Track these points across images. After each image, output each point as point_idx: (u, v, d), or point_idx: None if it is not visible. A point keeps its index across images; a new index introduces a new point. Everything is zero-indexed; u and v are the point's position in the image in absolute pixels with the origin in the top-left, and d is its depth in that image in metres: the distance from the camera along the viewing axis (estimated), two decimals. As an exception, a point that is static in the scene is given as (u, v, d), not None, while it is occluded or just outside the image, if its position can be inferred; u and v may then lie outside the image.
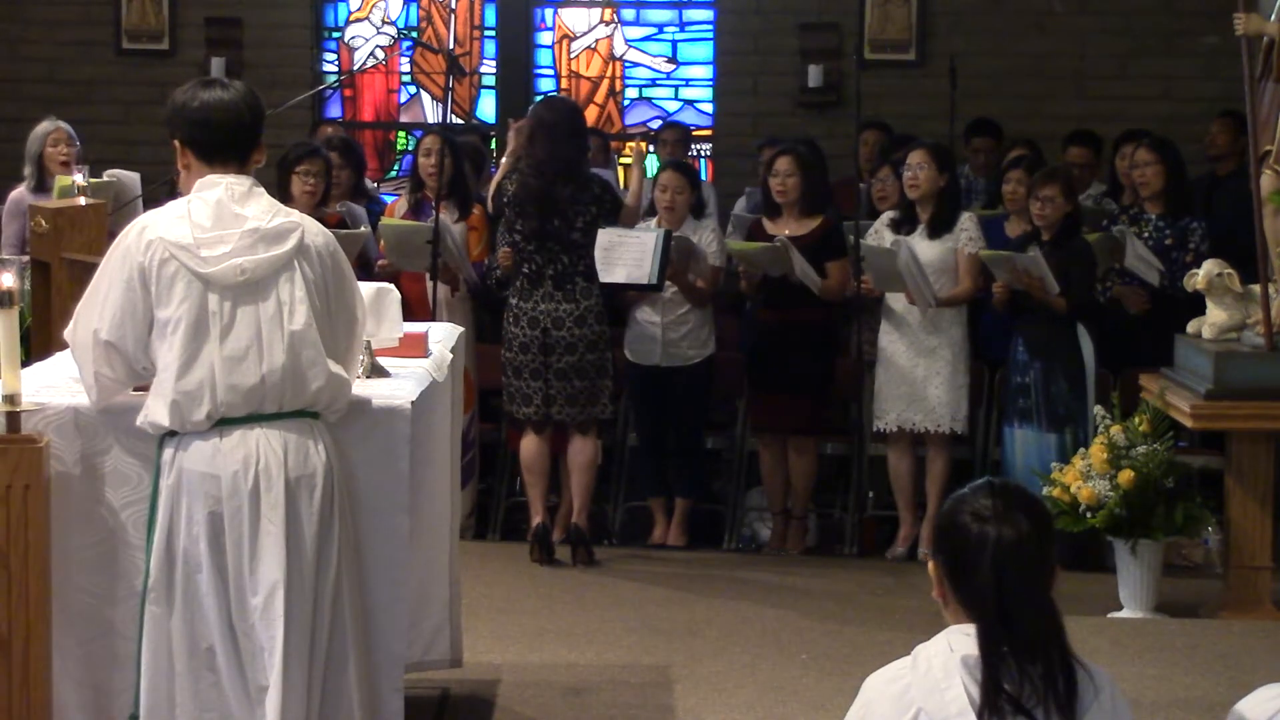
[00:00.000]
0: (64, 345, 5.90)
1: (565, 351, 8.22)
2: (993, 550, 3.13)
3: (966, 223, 8.76)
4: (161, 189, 9.54)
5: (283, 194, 8.94)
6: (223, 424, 4.48)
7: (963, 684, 3.10)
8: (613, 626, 7.33)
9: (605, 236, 8.62)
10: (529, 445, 8.38)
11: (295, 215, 4.66)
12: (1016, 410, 8.57)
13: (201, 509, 4.46)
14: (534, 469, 8.39)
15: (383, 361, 5.22)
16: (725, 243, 9.14)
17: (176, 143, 4.66)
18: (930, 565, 3.24)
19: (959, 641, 3.14)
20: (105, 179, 8.90)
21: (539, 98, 12.18)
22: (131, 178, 9.22)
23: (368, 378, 5.07)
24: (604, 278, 8.50)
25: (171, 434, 4.52)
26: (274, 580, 4.43)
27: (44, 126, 9.65)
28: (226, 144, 4.60)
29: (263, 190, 4.66)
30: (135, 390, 4.68)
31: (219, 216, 4.53)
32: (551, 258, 8.23)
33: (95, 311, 4.56)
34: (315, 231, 4.64)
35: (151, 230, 4.52)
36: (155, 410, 4.50)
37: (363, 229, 9.04)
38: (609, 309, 8.56)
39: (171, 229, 4.51)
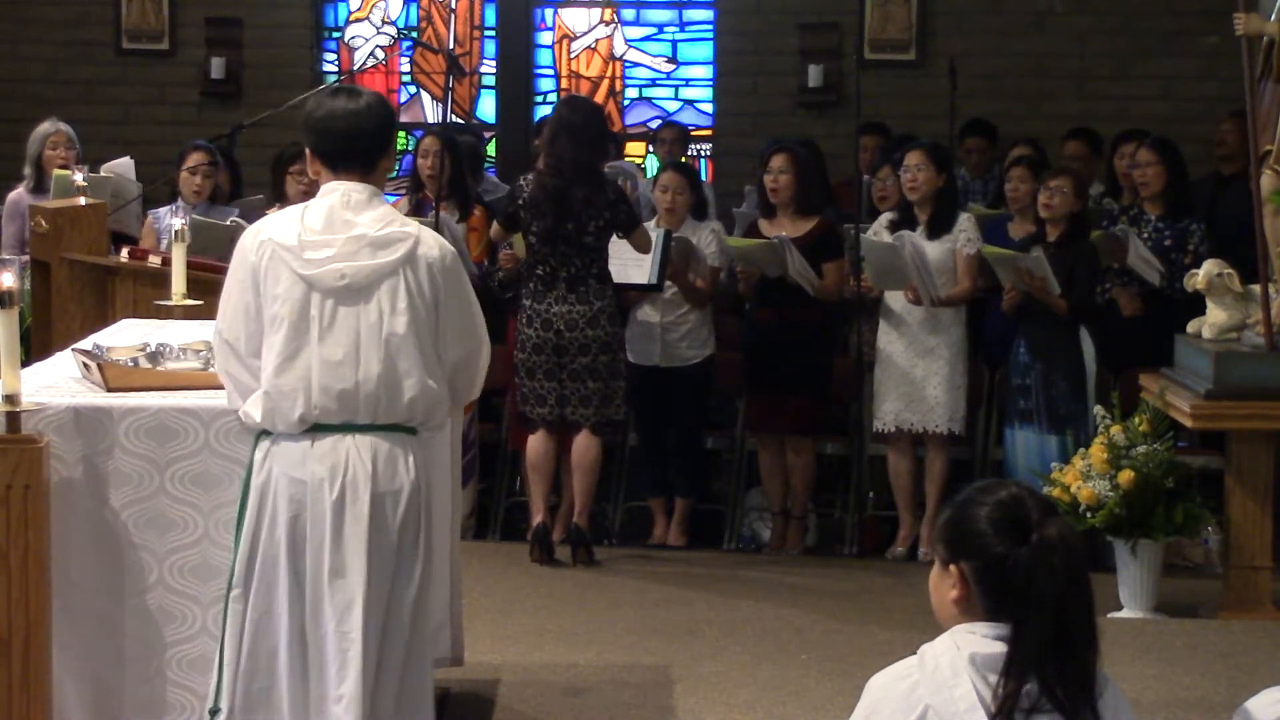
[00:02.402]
0: (64, 345, 5.93)
1: (579, 353, 8.21)
2: (1062, 551, 3.09)
3: (965, 223, 8.75)
4: (161, 188, 9.58)
5: (277, 194, 8.95)
6: (316, 429, 4.48)
7: (971, 682, 3.09)
8: (613, 626, 7.32)
9: (605, 236, 8.62)
10: (537, 444, 8.36)
11: (412, 226, 4.65)
12: (1017, 411, 8.56)
13: (285, 513, 4.47)
14: (539, 468, 8.37)
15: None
16: (724, 241, 9.13)
17: (308, 150, 4.71)
18: (952, 570, 3.17)
19: (965, 640, 3.13)
20: (102, 174, 8.90)
21: (539, 97, 12.28)
22: (125, 165, 9.22)
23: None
24: (604, 278, 8.49)
25: (266, 433, 4.53)
26: (352, 596, 4.43)
27: (44, 128, 9.63)
28: (346, 152, 4.62)
29: (385, 200, 4.69)
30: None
31: (329, 222, 4.56)
32: (565, 260, 8.21)
33: (220, 312, 4.63)
34: (431, 244, 4.62)
35: (265, 233, 4.59)
36: (253, 407, 4.52)
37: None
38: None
39: (281, 231, 4.57)
